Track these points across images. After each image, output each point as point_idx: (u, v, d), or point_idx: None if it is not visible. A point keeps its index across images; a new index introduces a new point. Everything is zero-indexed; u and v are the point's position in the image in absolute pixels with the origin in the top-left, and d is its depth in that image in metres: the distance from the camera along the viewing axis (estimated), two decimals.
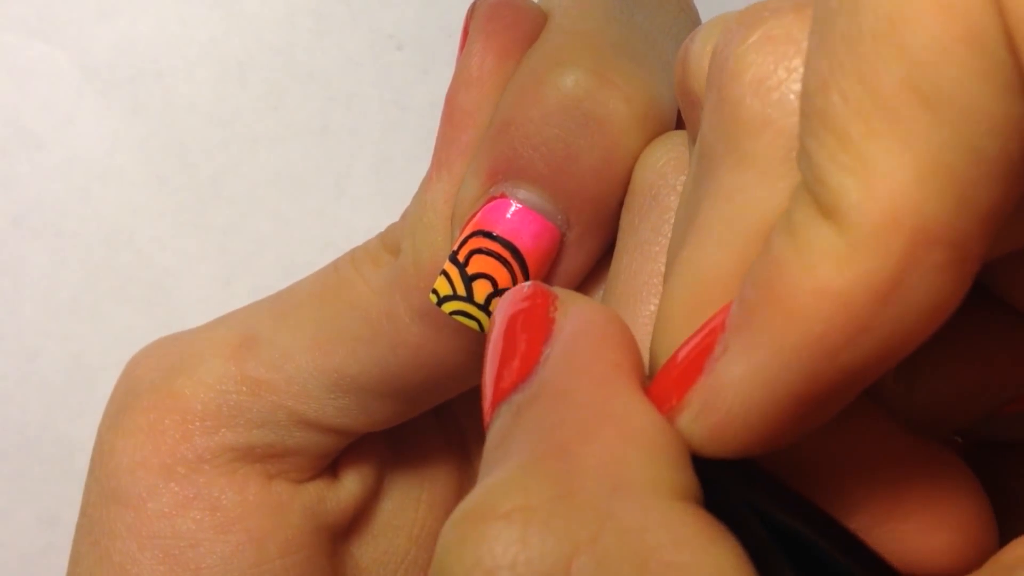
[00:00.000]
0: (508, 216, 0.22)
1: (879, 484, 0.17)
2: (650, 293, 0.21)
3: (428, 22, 0.36)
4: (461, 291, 0.23)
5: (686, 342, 0.17)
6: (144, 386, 0.26)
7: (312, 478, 0.26)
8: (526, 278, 0.23)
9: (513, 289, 0.19)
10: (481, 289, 0.23)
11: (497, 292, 0.23)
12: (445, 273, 0.23)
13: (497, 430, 0.17)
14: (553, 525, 0.14)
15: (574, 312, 0.18)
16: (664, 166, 0.22)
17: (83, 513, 0.26)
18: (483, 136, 0.23)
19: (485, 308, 0.23)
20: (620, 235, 0.22)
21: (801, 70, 0.16)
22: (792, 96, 0.16)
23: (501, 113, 0.23)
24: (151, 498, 0.25)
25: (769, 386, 0.15)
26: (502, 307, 0.19)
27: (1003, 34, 0.13)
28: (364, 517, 0.28)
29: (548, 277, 0.23)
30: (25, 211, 0.35)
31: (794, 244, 0.15)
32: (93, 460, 0.27)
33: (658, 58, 0.24)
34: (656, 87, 0.23)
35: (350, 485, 0.27)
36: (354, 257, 0.26)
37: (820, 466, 0.17)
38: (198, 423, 0.25)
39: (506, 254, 0.22)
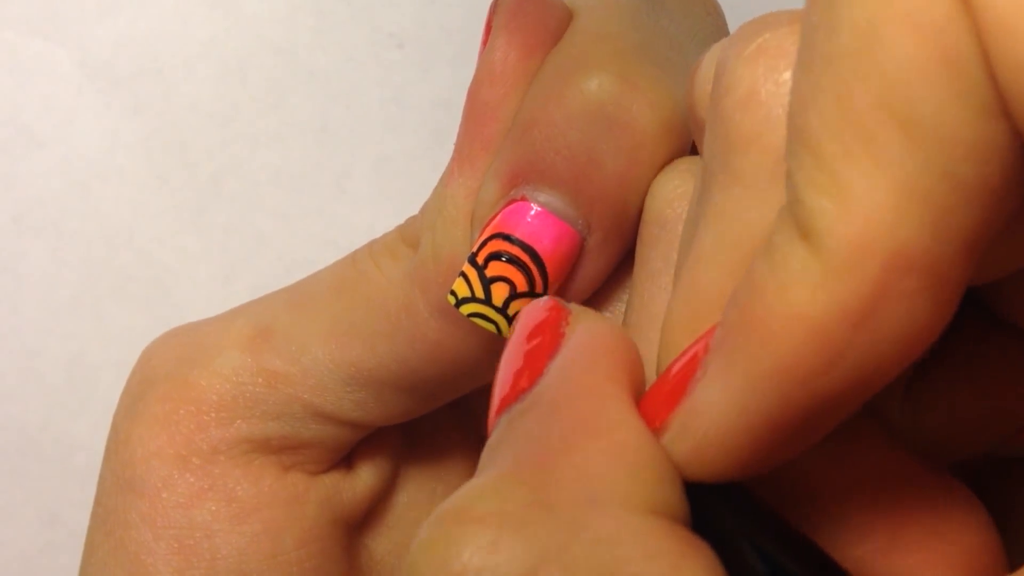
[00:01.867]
0: (528, 219, 0.22)
1: (882, 513, 0.17)
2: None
3: (429, 21, 0.36)
4: (480, 293, 0.23)
5: (676, 360, 0.16)
6: (160, 375, 0.26)
7: (327, 470, 0.26)
8: (544, 282, 0.23)
9: (533, 302, 0.19)
10: (499, 292, 0.23)
11: (515, 295, 0.23)
12: (464, 275, 0.23)
13: (492, 439, 0.17)
14: (524, 532, 0.14)
15: (580, 327, 0.17)
16: (671, 194, 0.22)
17: (97, 502, 0.26)
18: (505, 136, 0.23)
19: (503, 311, 0.23)
20: (635, 266, 0.22)
21: (789, 87, 0.15)
22: (780, 111, 0.16)
23: (524, 114, 0.23)
24: (166, 488, 0.25)
25: (743, 411, 0.15)
26: (520, 319, 0.19)
27: (979, 56, 0.13)
28: (379, 509, 0.28)
29: (567, 282, 0.23)
30: (25, 210, 0.35)
31: (771, 265, 0.14)
32: (108, 448, 0.27)
33: (684, 63, 0.23)
34: (681, 93, 0.23)
35: (365, 477, 0.27)
36: (372, 250, 0.26)
37: (822, 492, 0.17)
38: (213, 414, 0.25)
39: (525, 257, 0.22)
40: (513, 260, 0.22)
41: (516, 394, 0.17)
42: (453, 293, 0.23)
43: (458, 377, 0.25)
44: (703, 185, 0.17)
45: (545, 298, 0.19)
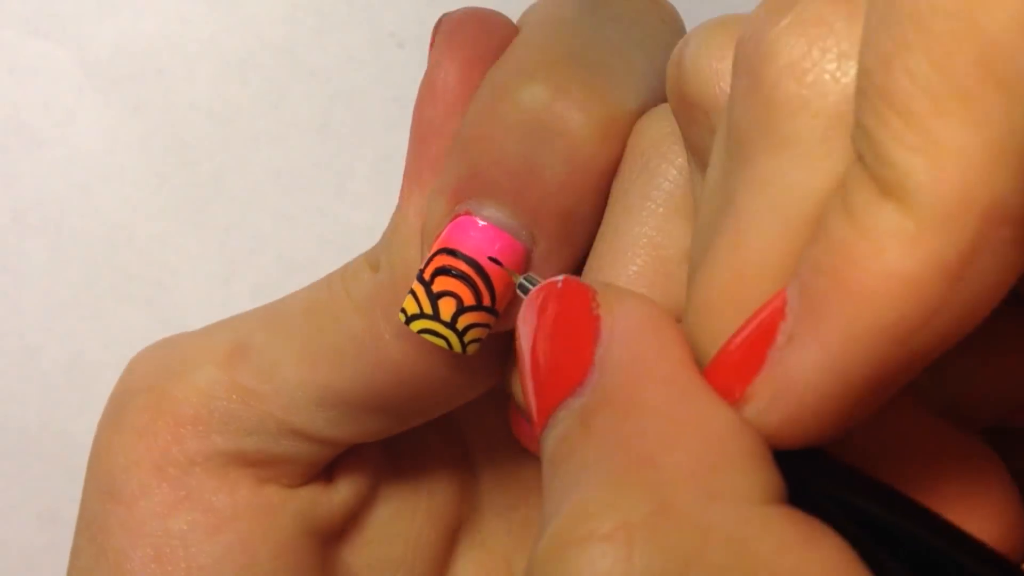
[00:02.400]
0: (472, 233, 0.22)
1: (917, 475, 0.17)
2: (635, 254, 0.21)
3: (429, 20, 0.36)
4: (428, 309, 0.23)
5: (739, 331, 0.16)
6: (141, 386, 0.26)
7: (305, 483, 0.26)
8: (492, 295, 0.23)
9: (543, 286, 0.19)
10: (447, 307, 0.23)
11: (463, 309, 0.23)
12: (412, 292, 0.23)
13: (560, 440, 0.17)
14: (658, 542, 0.14)
15: (621, 309, 0.17)
16: (657, 135, 0.22)
17: (82, 507, 0.27)
18: (448, 153, 0.23)
19: (452, 326, 0.23)
20: (610, 200, 0.22)
21: (836, 50, 0.16)
22: (827, 76, 0.16)
23: (464, 130, 0.23)
24: (143, 496, 0.25)
25: (842, 374, 0.15)
26: (533, 305, 0.18)
27: None
28: (358, 523, 0.28)
29: (516, 294, 0.23)
30: (25, 208, 0.35)
31: (857, 227, 0.14)
32: (91, 456, 0.27)
33: (625, 69, 0.23)
34: (617, 96, 0.23)
35: (344, 490, 0.27)
36: (343, 273, 0.26)
37: (861, 458, 0.17)
38: (189, 427, 0.25)
39: (470, 271, 0.22)
40: (459, 275, 0.22)
41: (568, 387, 0.17)
42: (403, 311, 0.23)
43: (426, 398, 0.25)
44: (733, 154, 0.17)
45: (558, 278, 0.18)
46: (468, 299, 0.22)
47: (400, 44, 0.36)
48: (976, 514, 0.17)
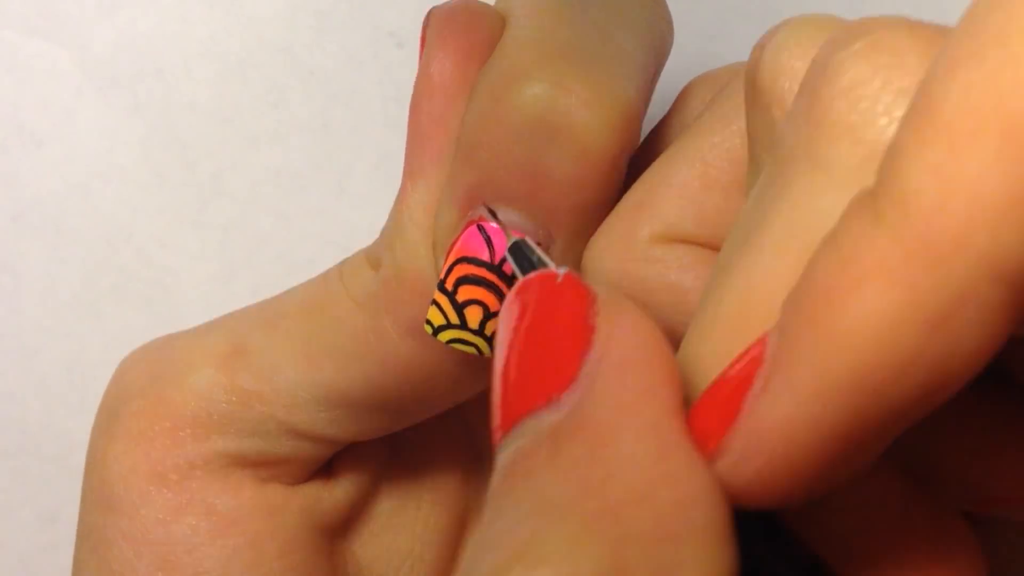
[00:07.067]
0: (489, 240, 0.22)
1: (881, 543, 0.16)
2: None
3: None
4: (454, 319, 0.23)
5: (725, 372, 0.15)
6: (134, 392, 0.26)
7: (306, 480, 0.26)
8: None
9: (540, 276, 0.17)
10: (473, 315, 0.22)
11: (489, 315, 0.22)
12: (436, 303, 0.23)
13: (523, 455, 0.15)
14: None
15: (620, 326, 0.16)
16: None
17: (81, 519, 0.26)
18: (452, 159, 0.23)
19: (480, 333, 0.23)
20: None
21: (897, 84, 0.15)
22: (881, 107, 0.15)
23: (466, 136, 0.23)
24: (144, 504, 0.25)
25: (814, 427, 0.14)
26: (523, 297, 0.17)
27: None
28: (363, 515, 0.28)
29: None
30: (25, 209, 0.35)
31: (840, 257, 0.13)
32: (87, 465, 0.27)
33: (616, 55, 0.23)
34: (616, 86, 0.22)
35: (346, 484, 0.27)
36: (341, 271, 0.26)
37: (822, 522, 0.16)
38: (188, 430, 0.25)
39: (492, 277, 0.22)
40: (482, 281, 0.22)
41: (544, 397, 0.16)
42: (429, 322, 0.23)
43: (431, 395, 0.25)
44: (777, 168, 0.16)
45: (560, 271, 0.17)
46: (494, 305, 0.22)
47: (400, 44, 0.36)
48: None
